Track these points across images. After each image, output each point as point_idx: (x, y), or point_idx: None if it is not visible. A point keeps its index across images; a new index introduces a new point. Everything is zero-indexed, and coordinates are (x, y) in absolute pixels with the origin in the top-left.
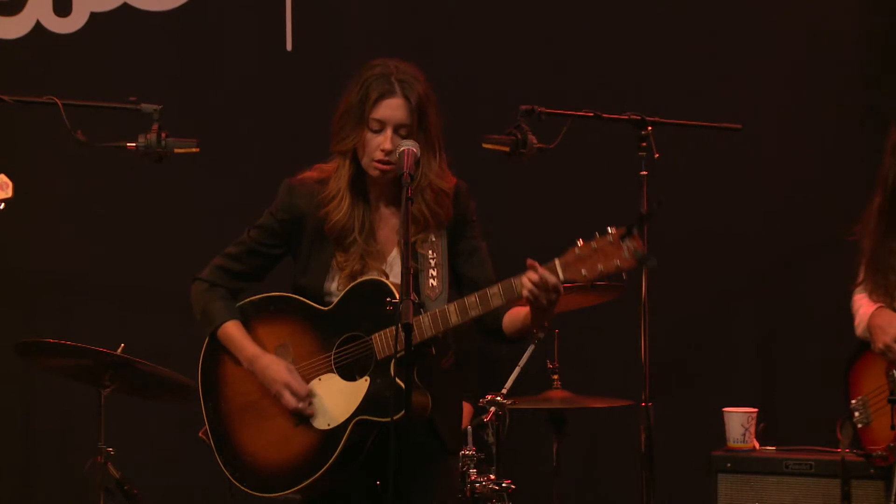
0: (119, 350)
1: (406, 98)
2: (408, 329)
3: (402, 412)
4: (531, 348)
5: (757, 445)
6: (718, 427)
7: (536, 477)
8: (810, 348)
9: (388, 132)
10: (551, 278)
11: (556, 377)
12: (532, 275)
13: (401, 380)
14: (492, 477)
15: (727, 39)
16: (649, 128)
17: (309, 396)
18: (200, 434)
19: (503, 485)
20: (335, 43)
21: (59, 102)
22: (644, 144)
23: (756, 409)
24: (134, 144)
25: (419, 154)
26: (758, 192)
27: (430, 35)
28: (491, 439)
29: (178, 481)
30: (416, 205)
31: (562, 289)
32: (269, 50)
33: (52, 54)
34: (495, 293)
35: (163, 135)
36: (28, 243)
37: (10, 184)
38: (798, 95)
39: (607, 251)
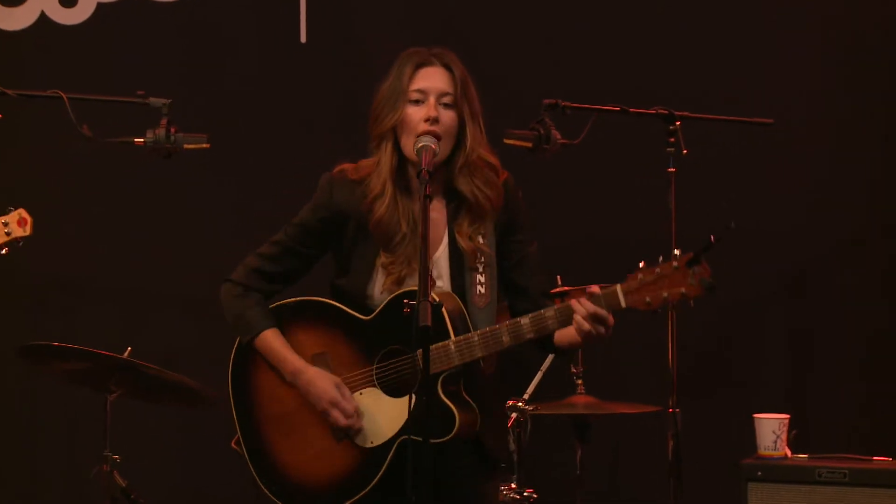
0: (125, 354)
1: (446, 67)
2: (425, 332)
3: (452, 433)
4: None
5: (789, 453)
6: (749, 434)
7: (559, 485)
8: (845, 351)
9: (431, 100)
10: (603, 313)
11: (580, 382)
12: (580, 310)
13: (448, 397)
14: (513, 486)
15: (759, 31)
16: (678, 122)
17: (357, 415)
18: (233, 444)
19: (525, 493)
20: (351, 35)
21: (64, 96)
22: (672, 140)
23: (788, 416)
24: (142, 140)
25: (437, 151)
26: (790, 189)
27: (449, 27)
28: (512, 446)
29: (185, 488)
30: (466, 186)
31: (612, 321)
32: (283, 42)
33: (57, 46)
34: (551, 317)
35: (172, 130)
36: (31, 244)
37: (30, 220)
38: (832, 88)
39: (673, 278)
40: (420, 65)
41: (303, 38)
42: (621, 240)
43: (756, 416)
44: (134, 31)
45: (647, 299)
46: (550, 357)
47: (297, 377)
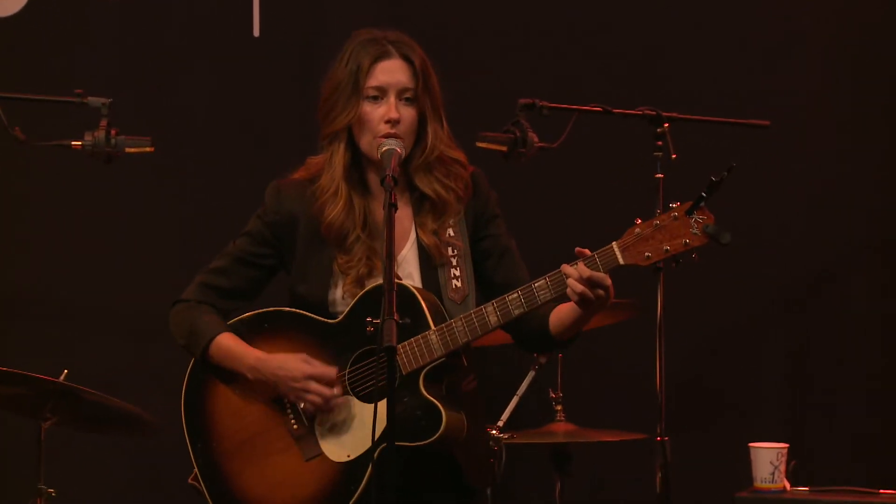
0: (61, 377)
1: (405, 59)
2: (391, 353)
3: (439, 433)
4: (531, 375)
5: (788, 486)
6: (744, 465)
7: None
8: (849, 375)
9: (391, 99)
10: (598, 276)
11: (559, 408)
12: (572, 271)
13: (433, 395)
14: None
15: (754, 26)
16: (666, 124)
17: (337, 384)
18: (190, 480)
19: None
20: (309, 28)
21: None
22: (660, 143)
23: (787, 445)
24: (80, 143)
25: (403, 155)
26: (788, 197)
27: (416, 17)
28: None
29: None
30: (426, 183)
31: (609, 281)
32: (234, 35)
33: None
34: (542, 286)
35: (112, 132)
36: None
37: None
38: (833, 89)
39: (672, 229)
40: (377, 58)
41: (256, 32)
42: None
43: (752, 445)
44: (71, 23)
45: (647, 253)
46: (528, 380)
47: (260, 369)
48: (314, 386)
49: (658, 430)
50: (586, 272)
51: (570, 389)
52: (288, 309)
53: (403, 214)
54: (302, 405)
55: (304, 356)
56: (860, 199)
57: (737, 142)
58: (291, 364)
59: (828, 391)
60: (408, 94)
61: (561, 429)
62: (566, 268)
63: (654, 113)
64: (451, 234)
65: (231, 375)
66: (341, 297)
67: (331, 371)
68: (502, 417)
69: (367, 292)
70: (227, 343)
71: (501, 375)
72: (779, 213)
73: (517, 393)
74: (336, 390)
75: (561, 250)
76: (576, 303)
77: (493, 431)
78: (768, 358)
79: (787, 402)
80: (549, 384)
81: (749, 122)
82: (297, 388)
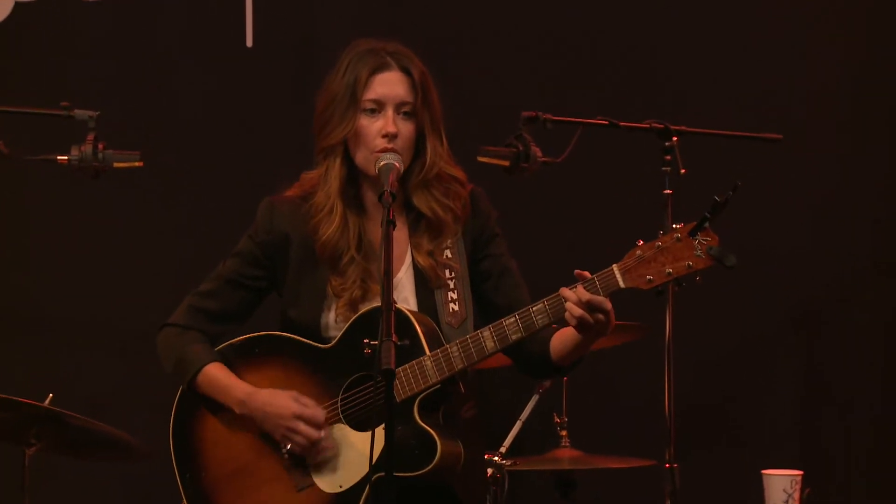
0: (46, 401)
1: (405, 71)
2: (389, 377)
3: (433, 464)
4: (535, 398)
5: None
6: (756, 492)
7: None
8: (867, 396)
9: (389, 112)
10: (598, 299)
11: (564, 433)
12: (570, 295)
13: (428, 424)
14: None
15: (765, 38)
16: (674, 138)
17: (325, 427)
18: None
19: None
20: (302, 38)
21: None
22: (668, 158)
23: (801, 472)
24: (66, 157)
25: (402, 170)
26: (801, 213)
27: (412, 28)
28: None
29: None
30: (424, 202)
31: (609, 306)
32: (227, 46)
33: None
34: (540, 310)
35: (100, 146)
36: None
37: None
38: (848, 102)
39: (675, 251)
40: (375, 70)
41: (249, 43)
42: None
43: (764, 472)
44: (58, 34)
45: (649, 276)
46: (531, 404)
47: (248, 403)
48: (302, 427)
49: (667, 456)
50: (585, 296)
51: (575, 414)
52: (279, 333)
53: (399, 236)
54: (289, 445)
55: (294, 393)
56: (868, 212)
57: (748, 156)
58: (280, 401)
59: (844, 415)
60: (406, 108)
61: (566, 455)
62: (565, 291)
63: (662, 126)
64: (449, 255)
65: (220, 404)
66: (334, 321)
67: (319, 414)
68: (505, 443)
69: (360, 316)
70: (215, 374)
71: (504, 399)
72: (788, 229)
73: (520, 417)
74: (323, 433)
75: (564, 270)
76: (574, 327)
77: (496, 458)
78: (781, 380)
79: (801, 426)
80: (553, 408)
81: (761, 136)
82: (284, 427)
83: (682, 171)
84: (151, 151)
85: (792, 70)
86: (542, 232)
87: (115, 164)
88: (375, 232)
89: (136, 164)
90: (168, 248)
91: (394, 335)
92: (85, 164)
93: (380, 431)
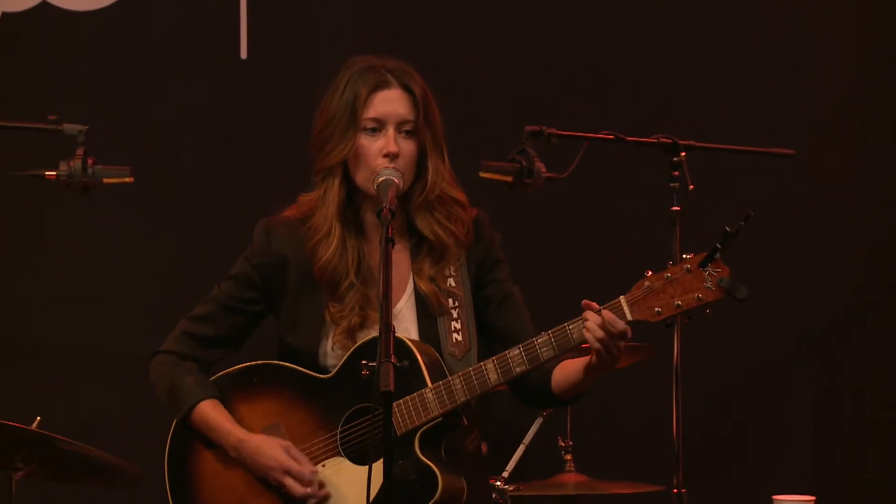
0: (34, 424)
1: (405, 89)
2: (387, 398)
3: (434, 500)
4: (538, 421)
5: None
6: None
7: None
8: (882, 422)
9: (390, 131)
10: (619, 323)
11: (569, 457)
12: (594, 318)
13: (429, 458)
14: None
15: (778, 49)
16: (683, 153)
17: (317, 481)
18: None
19: None
20: (298, 50)
21: None
22: (676, 174)
23: (813, 497)
24: (54, 173)
25: (402, 186)
26: (816, 231)
27: (411, 40)
28: None
29: None
30: (426, 225)
31: (630, 334)
32: (220, 58)
33: None
34: (545, 342)
35: (89, 161)
36: None
37: None
38: (863, 116)
39: (685, 282)
40: (376, 87)
41: (243, 54)
42: (617, 290)
43: (776, 497)
44: (45, 45)
45: (657, 308)
46: (535, 427)
47: (240, 449)
48: (289, 482)
49: (675, 482)
50: (598, 320)
51: (580, 437)
52: (276, 363)
53: (400, 261)
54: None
55: (285, 444)
56: (887, 230)
57: (758, 171)
58: (269, 452)
59: (859, 439)
60: (407, 127)
61: (571, 480)
62: (578, 322)
63: (670, 141)
64: (452, 283)
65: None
66: (331, 349)
67: (307, 471)
68: (507, 468)
69: (361, 345)
70: (209, 415)
71: (506, 421)
72: (805, 249)
73: (524, 441)
74: (311, 489)
75: (568, 291)
76: (593, 350)
77: (498, 483)
78: (792, 404)
79: (813, 450)
80: (558, 432)
81: (773, 151)
82: (273, 479)
83: (691, 187)
84: (142, 167)
85: (803, 83)
86: (546, 251)
87: (105, 180)
88: (375, 256)
89: (127, 179)
90: (160, 269)
91: (392, 356)
92: (74, 180)
93: (379, 466)
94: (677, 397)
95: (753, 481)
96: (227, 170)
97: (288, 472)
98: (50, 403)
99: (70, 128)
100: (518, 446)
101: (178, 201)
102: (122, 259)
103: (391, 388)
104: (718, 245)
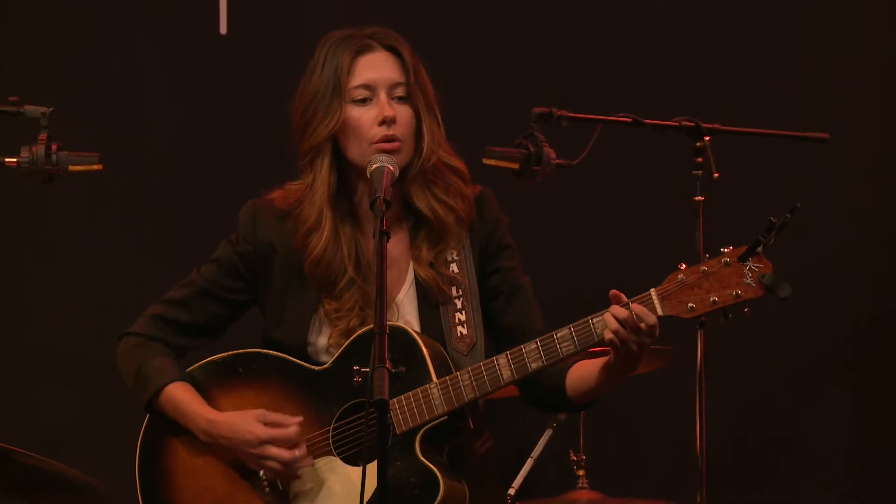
0: None
1: (391, 50)
2: (382, 407)
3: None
4: (548, 433)
5: None
6: None
7: None
8: None
9: (382, 96)
10: (650, 317)
11: (581, 473)
12: (620, 311)
13: (430, 461)
14: None
15: (808, 27)
16: (707, 138)
17: (301, 444)
18: None
19: None
20: (280, 25)
21: None
22: (700, 160)
23: None
24: (15, 160)
25: (397, 173)
26: (853, 223)
27: (406, 15)
28: None
29: None
30: (423, 199)
31: (658, 330)
32: (198, 33)
33: None
34: (565, 337)
35: (54, 147)
36: None
37: None
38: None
39: (722, 276)
40: (358, 52)
41: (223, 30)
42: (635, 288)
43: None
44: (5, 21)
45: (691, 304)
46: (544, 439)
47: (211, 431)
48: (272, 451)
49: (698, 499)
50: (625, 314)
51: (594, 451)
52: (266, 351)
53: (398, 250)
54: (262, 472)
55: (258, 413)
56: None
57: (788, 158)
58: (243, 427)
59: (891, 451)
60: (399, 91)
61: (584, 497)
62: (603, 315)
63: (692, 124)
64: (455, 269)
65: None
66: (326, 349)
67: (289, 430)
68: (514, 483)
69: (361, 335)
70: (178, 397)
71: (513, 434)
72: (840, 243)
73: (532, 454)
74: (299, 451)
75: (580, 287)
76: (614, 349)
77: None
78: (827, 415)
79: (845, 464)
80: (569, 444)
81: (806, 135)
82: (254, 455)
83: (715, 174)
84: (112, 153)
85: (848, 63)
86: (555, 244)
87: (71, 168)
88: (371, 246)
89: (95, 167)
90: (129, 264)
91: (388, 361)
92: (37, 168)
93: (373, 467)
94: (700, 406)
95: (781, 497)
96: (204, 150)
97: (268, 441)
98: (8, 413)
99: (32, 110)
100: (526, 460)
101: (150, 189)
102: (86, 255)
103: (385, 396)
104: (762, 238)
